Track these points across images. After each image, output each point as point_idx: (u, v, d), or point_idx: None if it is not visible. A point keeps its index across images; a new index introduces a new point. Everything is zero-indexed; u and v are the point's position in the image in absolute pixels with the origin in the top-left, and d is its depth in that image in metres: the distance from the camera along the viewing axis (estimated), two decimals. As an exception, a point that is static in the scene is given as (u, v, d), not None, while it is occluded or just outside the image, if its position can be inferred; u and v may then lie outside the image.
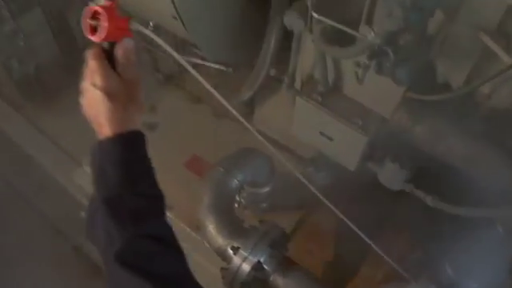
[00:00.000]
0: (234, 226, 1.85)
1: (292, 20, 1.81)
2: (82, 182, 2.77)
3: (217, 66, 2.87)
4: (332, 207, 1.65)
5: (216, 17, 2.06)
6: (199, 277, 2.58)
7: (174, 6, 1.82)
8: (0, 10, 2.98)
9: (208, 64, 2.89)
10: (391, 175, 1.98)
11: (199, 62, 2.92)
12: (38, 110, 3.47)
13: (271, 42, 2.11)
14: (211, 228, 1.84)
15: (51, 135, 3.33)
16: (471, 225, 1.93)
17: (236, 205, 2.36)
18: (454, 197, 1.90)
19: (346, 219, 1.70)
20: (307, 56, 1.96)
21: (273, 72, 2.34)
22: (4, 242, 3.27)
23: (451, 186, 1.94)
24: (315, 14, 1.59)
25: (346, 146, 2.00)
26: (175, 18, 1.90)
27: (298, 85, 2.08)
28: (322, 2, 1.67)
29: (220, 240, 1.81)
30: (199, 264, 2.45)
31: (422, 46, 1.57)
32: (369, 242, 1.77)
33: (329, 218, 2.47)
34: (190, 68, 1.32)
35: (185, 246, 2.37)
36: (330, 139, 2.01)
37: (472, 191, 1.88)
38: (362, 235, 1.75)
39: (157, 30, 2.74)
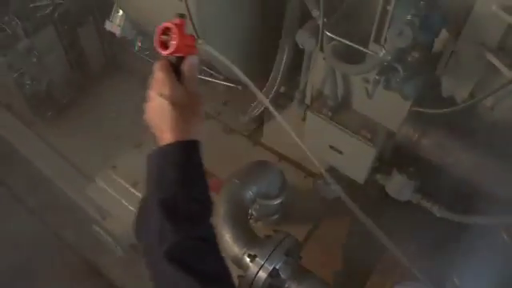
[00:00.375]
0: (249, 236, 1.94)
1: (304, 39, 1.92)
2: (95, 195, 2.85)
3: (226, 84, 2.99)
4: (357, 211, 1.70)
5: (233, 35, 2.17)
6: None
7: (194, 27, 1.93)
8: (15, 29, 3.10)
9: (218, 81, 3.02)
10: (399, 186, 2.08)
11: (208, 79, 3.05)
12: (49, 127, 3.59)
13: (283, 59, 2.23)
14: (228, 237, 1.93)
15: (62, 151, 3.43)
16: (477, 235, 2.03)
17: (248, 217, 2.46)
18: (459, 206, 2.01)
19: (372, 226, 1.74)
20: (317, 73, 2.07)
21: (283, 89, 2.46)
22: (17, 258, 3.35)
23: (457, 196, 2.05)
24: (328, 33, 1.70)
25: (355, 159, 2.10)
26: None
27: (308, 100, 2.19)
28: (332, 22, 1.79)
29: (236, 249, 1.90)
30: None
31: (428, 63, 1.68)
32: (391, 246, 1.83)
33: (339, 229, 2.58)
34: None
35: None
36: (340, 152, 2.12)
37: (478, 200, 1.98)
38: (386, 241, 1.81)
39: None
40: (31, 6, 3.18)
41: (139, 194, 2.73)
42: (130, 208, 2.73)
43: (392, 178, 2.09)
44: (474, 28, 1.55)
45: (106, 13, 3.30)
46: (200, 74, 3.05)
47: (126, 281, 3.23)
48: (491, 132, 1.91)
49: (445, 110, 1.73)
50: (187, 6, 1.89)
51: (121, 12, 2.52)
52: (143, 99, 3.22)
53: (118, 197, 2.77)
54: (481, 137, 1.88)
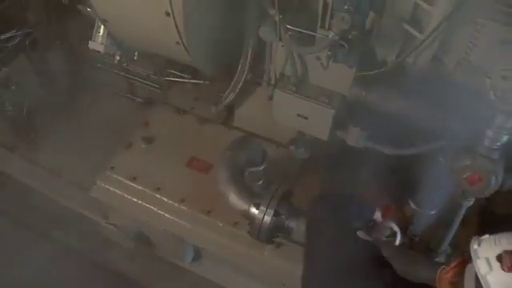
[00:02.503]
0: (250, 191, 2.54)
1: (265, 33, 2.53)
2: (100, 195, 3.34)
3: (194, 81, 3.56)
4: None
5: (208, 37, 2.73)
6: (217, 252, 3.22)
7: (179, 34, 2.49)
8: (-6, 60, 3.55)
9: (186, 81, 3.59)
10: (355, 137, 2.72)
11: (178, 80, 3.61)
12: (33, 149, 4.02)
13: (248, 51, 2.83)
14: (233, 196, 2.51)
15: (52, 168, 3.89)
16: (422, 164, 2.70)
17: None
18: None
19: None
20: (279, 58, 2.69)
21: (249, 77, 3.06)
22: (30, 272, 3.79)
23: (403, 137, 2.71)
24: (289, 26, 2.32)
25: (319, 121, 2.73)
26: (178, 43, 2.57)
27: (273, 81, 2.81)
28: (285, 16, 2.40)
29: (242, 203, 2.49)
30: (215, 241, 3.10)
31: (364, 38, 2.32)
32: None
33: (312, 183, 3.21)
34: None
35: (200, 228, 3.04)
36: (306, 118, 2.74)
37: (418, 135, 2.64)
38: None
39: (140, 57, 3.42)
40: (2, 37, 3.62)
41: (139, 187, 3.25)
42: (134, 200, 3.25)
43: (349, 131, 2.73)
44: (392, 7, 2.21)
45: (72, 35, 3.81)
46: (169, 76, 3.63)
47: (136, 270, 3.74)
48: (417, 81, 2.59)
49: (381, 69, 2.39)
50: (175, 22, 2.43)
51: (102, 30, 3.00)
52: (119, 108, 3.92)
53: (121, 192, 3.28)
54: (411, 86, 2.55)
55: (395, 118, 2.56)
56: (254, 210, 2.44)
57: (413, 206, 2.97)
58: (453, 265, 1.75)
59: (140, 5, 2.50)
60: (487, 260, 1.57)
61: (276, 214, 2.40)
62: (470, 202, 2.36)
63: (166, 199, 3.21)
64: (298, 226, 2.44)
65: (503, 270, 1.52)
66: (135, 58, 3.40)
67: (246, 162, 2.74)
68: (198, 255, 3.57)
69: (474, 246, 1.64)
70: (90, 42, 3.07)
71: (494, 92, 1.92)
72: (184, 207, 3.17)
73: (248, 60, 2.89)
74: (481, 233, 1.72)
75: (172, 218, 3.18)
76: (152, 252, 3.64)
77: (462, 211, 2.42)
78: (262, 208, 2.42)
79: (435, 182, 2.71)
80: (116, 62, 3.27)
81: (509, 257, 1.52)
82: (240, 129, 3.47)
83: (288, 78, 2.70)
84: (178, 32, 2.48)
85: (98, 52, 3.10)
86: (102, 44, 3.07)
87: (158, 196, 3.22)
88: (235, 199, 2.51)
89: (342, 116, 2.76)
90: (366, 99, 2.56)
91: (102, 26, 2.95)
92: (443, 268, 1.78)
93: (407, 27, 2.20)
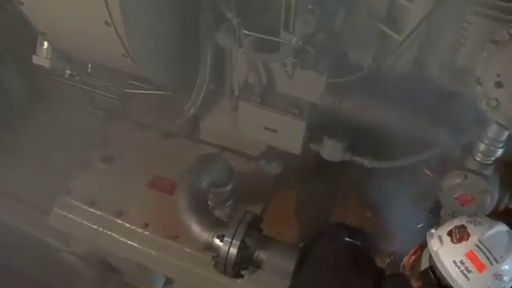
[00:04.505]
0: (213, 221, 2.19)
1: (223, 39, 2.19)
2: (57, 223, 2.99)
3: (156, 92, 3.21)
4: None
5: (158, 47, 2.39)
6: (185, 281, 2.90)
7: (124, 46, 2.14)
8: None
9: (147, 92, 3.23)
10: (331, 150, 2.40)
11: (138, 91, 3.26)
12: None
13: (207, 60, 2.48)
14: (195, 227, 2.17)
15: (9, 191, 3.50)
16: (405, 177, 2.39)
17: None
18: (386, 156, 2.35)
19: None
20: (240, 66, 2.35)
21: (211, 87, 2.71)
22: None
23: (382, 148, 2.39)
24: (245, 31, 1.97)
25: (289, 134, 2.40)
26: (125, 55, 2.22)
27: (237, 92, 2.46)
28: (244, 20, 2.06)
29: (205, 234, 2.15)
30: (183, 269, 2.77)
31: (334, 40, 1.99)
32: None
33: (287, 199, 2.89)
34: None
35: (166, 256, 2.71)
36: (274, 131, 2.40)
37: (397, 147, 2.33)
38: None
39: (94, 69, 3.06)
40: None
41: (99, 212, 2.90)
42: (93, 227, 2.90)
43: (324, 143, 2.40)
44: (365, 5, 1.87)
45: (24, 47, 3.42)
46: (128, 88, 3.27)
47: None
48: (396, 86, 2.27)
49: (355, 76, 2.05)
50: (115, 29, 2.08)
51: (46, 44, 2.65)
52: (77, 124, 3.45)
53: (79, 219, 2.92)
54: (388, 92, 2.22)
55: (373, 128, 2.24)
56: (217, 242, 2.10)
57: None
58: (412, 250, 1.78)
59: (78, 14, 2.16)
60: (439, 237, 1.64)
61: (243, 246, 2.06)
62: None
63: (128, 225, 2.86)
64: (268, 258, 2.10)
65: (452, 242, 1.59)
66: (89, 70, 3.05)
67: (211, 183, 2.40)
68: (169, 281, 3.23)
69: (431, 230, 1.71)
70: (33, 56, 2.71)
71: (487, 101, 1.60)
72: (148, 233, 2.83)
73: (207, 69, 2.54)
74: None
75: (135, 245, 2.84)
76: (120, 279, 3.30)
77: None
78: (227, 239, 2.08)
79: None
80: (67, 76, 2.90)
81: (458, 230, 1.60)
82: (206, 142, 3.14)
83: (252, 88, 2.37)
84: (122, 43, 2.13)
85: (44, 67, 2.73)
86: (47, 58, 2.71)
87: (120, 221, 2.88)
88: (197, 230, 2.17)
89: (315, 127, 2.44)
90: (340, 108, 2.23)
91: (46, 39, 2.60)
92: (406, 257, 1.81)
93: (383, 27, 1.87)
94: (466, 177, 1.82)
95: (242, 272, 2.18)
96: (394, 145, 2.30)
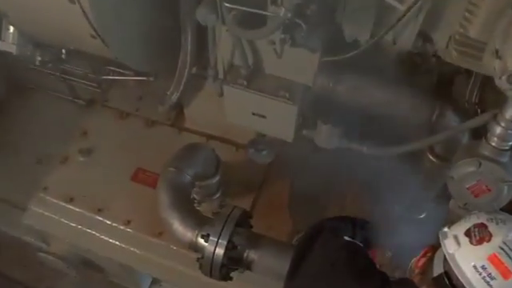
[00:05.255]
0: (198, 218, 1.96)
1: (204, 15, 1.92)
2: (33, 222, 2.74)
3: (137, 78, 2.94)
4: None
5: (132, 27, 2.13)
6: (172, 280, 2.67)
7: (91, 25, 1.88)
8: None
9: (128, 78, 2.97)
10: (326, 136, 2.15)
11: (118, 78, 3.00)
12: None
13: (188, 40, 2.22)
14: (177, 225, 1.93)
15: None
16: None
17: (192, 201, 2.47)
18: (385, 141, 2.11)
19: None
20: (224, 46, 2.09)
21: (194, 70, 2.45)
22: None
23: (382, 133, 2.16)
24: (227, 4, 1.72)
25: (280, 120, 2.15)
26: (94, 36, 1.96)
27: (221, 75, 2.21)
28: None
29: (189, 234, 1.91)
30: (169, 268, 2.54)
31: (327, 13, 1.74)
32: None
33: (280, 191, 2.65)
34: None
35: (150, 254, 2.49)
36: (264, 117, 2.15)
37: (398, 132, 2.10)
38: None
39: (70, 55, 2.80)
40: None
41: (78, 209, 2.66)
42: (72, 225, 2.65)
43: (318, 130, 2.15)
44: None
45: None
46: (108, 74, 3.01)
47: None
48: (397, 66, 2.02)
49: (351, 53, 1.80)
50: (82, 10, 1.83)
51: (12, 29, 2.38)
52: (55, 114, 3.13)
53: (57, 217, 2.68)
54: (389, 72, 1.98)
55: (372, 111, 2.00)
56: (202, 242, 1.86)
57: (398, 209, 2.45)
58: (422, 253, 1.56)
59: (39, -9, 1.88)
60: (455, 237, 1.42)
61: (230, 246, 1.83)
62: (473, 215, 1.81)
63: (109, 222, 2.63)
64: (259, 258, 1.87)
65: (471, 243, 1.37)
66: (63, 56, 2.78)
67: (195, 176, 2.16)
68: (156, 279, 3.00)
69: (444, 229, 1.49)
70: (-1, 42, 2.44)
71: (507, 77, 1.35)
72: (130, 230, 2.59)
73: (189, 51, 2.28)
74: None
75: (117, 243, 2.61)
76: (104, 278, 3.06)
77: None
78: (213, 239, 1.84)
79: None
80: (38, 63, 2.64)
81: (478, 229, 1.39)
82: (192, 130, 2.89)
83: (238, 70, 2.11)
84: (90, 23, 1.87)
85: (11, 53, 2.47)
86: (13, 44, 2.44)
87: (100, 218, 2.64)
88: (180, 228, 1.93)
89: (308, 112, 2.19)
90: (335, 90, 1.98)
91: (12, 22, 2.33)
92: (414, 260, 1.60)
93: (382, -5, 1.61)
94: (480, 164, 1.57)
95: (231, 274, 1.95)
96: (395, 130, 2.07)
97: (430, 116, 1.88)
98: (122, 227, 2.60)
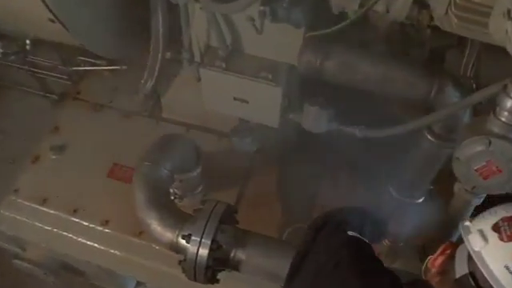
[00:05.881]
0: (178, 216, 1.74)
1: (174, -8, 1.71)
2: (4, 228, 2.52)
3: (110, 68, 2.72)
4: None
5: (96, 9, 1.90)
6: (156, 282, 2.47)
7: (48, 8, 1.65)
8: None
9: (99, 68, 2.75)
10: (314, 119, 1.95)
11: (90, 68, 2.77)
12: None
13: (159, 22, 2.00)
14: (155, 224, 1.72)
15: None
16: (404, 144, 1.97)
17: (172, 197, 2.26)
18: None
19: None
20: (199, 25, 1.88)
21: (168, 55, 2.23)
22: None
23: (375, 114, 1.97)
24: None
25: (263, 104, 1.95)
26: (53, 20, 1.73)
27: (198, 58, 2.00)
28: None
29: (169, 234, 1.70)
30: (152, 269, 2.33)
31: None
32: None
33: (268, 181, 2.44)
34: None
35: (131, 255, 2.28)
36: (246, 102, 1.95)
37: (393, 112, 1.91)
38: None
39: (37, 47, 2.56)
40: None
41: (52, 211, 2.43)
42: (47, 228, 2.43)
43: (305, 113, 1.95)
44: None
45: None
46: (79, 66, 2.78)
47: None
48: (389, 38, 1.83)
49: (339, 25, 1.60)
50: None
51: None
52: (25, 110, 2.83)
53: (30, 220, 2.45)
54: (380, 47, 1.78)
55: (364, 90, 1.80)
56: (183, 243, 1.66)
57: (394, 194, 2.27)
58: (440, 250, 1.37)
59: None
60: (481, 232, 1.24)
61: (215, 246, 1.62)
62: (481, 200, 1.62)
63: (85, 223, 2.40)
64: (248, 257, 1.67)
65: (502, 240, 1.18)
66: (27, 47, 2.55)
67: (174, 169, 1.94)
68: (141, 281, 2.79)
69: (465, 223, 1.32)
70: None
71: (522, 41, 1.16)
72: (109, 230, 2.37)
73: (161, 34, 2.06)
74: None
75: (96, 245, 2.39)
76: (86, 282, 2.85)
77: (470, 209, 1.67)
78: (195, 239, 1.63)
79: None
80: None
81: (508, 224, 1.20)
82: (171, 120, 2.65)
83: (215, 51, 1.90)
84: (46, 5, 1.64)
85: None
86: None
87: (76, 220, 2.41)
88: (158, 228, 1.72)
89: (294, 94, 1.99)
90: (322, 68, 1.77)
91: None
92: (430, 258, 1.40)
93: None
94: (489, 143, 1.38)
95: (218, 276, 1.74)
96: (390, 110, 1.88)
97: (428, 92, 1.68)
98: (99, 228, 2.38)
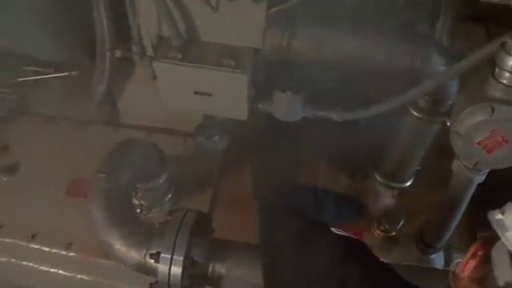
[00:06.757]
0: (143, 232, 1.49)
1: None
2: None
3: (59, 75, 2.45)
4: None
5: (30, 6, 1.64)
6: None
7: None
8: None
9: (48, 76, 2.48)
10: (286, 106, 1.72)
11: (37, 77, 2.50)
12: None
13: (102, 14, 1.73)
14: (119, 245, 1.47)
15: None
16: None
17: (138, 210, 2.01)
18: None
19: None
20: (147, 14, 1.63)
21: (118, 53, 1.96)
22: None
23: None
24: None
25: (228, 95, 1.70)
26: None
27: (150, 51, 1.74)
28: None
29: (134, 254, 1.45)
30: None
31: None
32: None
33: (241, 179, 2.21)
34: None
35: (100, 279, 2.03)
36: (209, 95, 1.70)
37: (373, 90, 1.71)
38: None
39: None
40: None
41: (8, 240, 2.14)
42: (2, 260, 2.14)
43: (276, 100, 1.72)
44: None
45: None
46: (25, 76, 2.50)
47: None
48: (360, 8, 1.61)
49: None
50: None
51: None
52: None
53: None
54: (354, 15, 1.57)
55: (338, 68, 1.58)
56: (152, 263, 1.41)
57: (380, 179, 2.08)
58: (471, 252, 1.22)
59: None
60: None
61: (189, 262, 1.38)
62: (483, 177, 1.41)
63: (46, 248, 2.12)
64: (229, 270, 1.43)
65: None
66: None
67: (134, 179, 1.69)
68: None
69: (497, 216, 1.14)
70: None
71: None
72: (73, 253, 2.10)
73: (106, 29, 1.78)
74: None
75: (60, 271, 2.12)
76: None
77: (472, 189, 1.46)
78: (165, 256, 1.39)
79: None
80: None
81: None
82: (130, 125, 2.40)
83: (169, 41, 1.66)
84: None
85: None
86: None
87: (36, 246, 2.13)
88: (122, 249, 1.47)
89: (262, 80, 1.76)
90: (290, 48, 1.54)
91: None
92: (458, 263, 1.26)
93: None
94: (492, 110, 1.17)
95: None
96: (370, 87, 1.66)
97: (412, 61, 1.46)
98: (63, 252, 2.10)
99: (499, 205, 1.22)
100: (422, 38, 1.53)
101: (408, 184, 2.05)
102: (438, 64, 1.47)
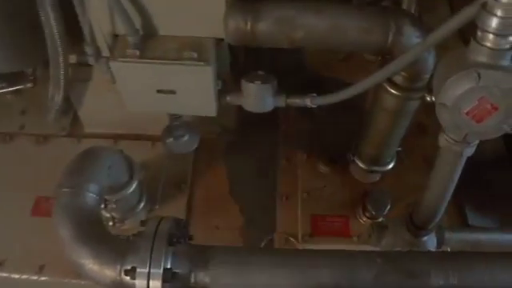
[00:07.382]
0: (115, 247, 1.34)
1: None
2: None
3: (13, 88, 2.28)
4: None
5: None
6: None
7: None
8: None
9: (2, 91, 2.30)
10: (257, 98, 1.61)
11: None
12: None
13: (49, 16, 1.58)
14: (91, 264, 1.32)
15: None
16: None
17: (110, 223, 1.86)
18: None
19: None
20: (99, 11, 1.49)
21: (74, 58, 1.82)
22: None
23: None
24: None
25: (194, 91, 1.58)
26: None
27: (106, 51, 1.61)
28: None
29: (108, 272, 1.31)
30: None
31: None
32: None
33: (215, 180, 2.09)
34: None
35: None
36: (172, 93, 1.58)
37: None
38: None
39: None
40: None
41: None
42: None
43: (245, 92, 1.60)
44: None
45: None
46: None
47: None
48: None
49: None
50: None
51: None
52: None
53: None
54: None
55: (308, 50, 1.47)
56: (128, 280, 1.27)
57: (362, 165, 1.99)
58: None
59: None
60: None
61: (168, 275, 1.25)
62: (473, 149, 1.32)
63: (16, 275, 1.96)
64: (213, 279, 1.30)
65: None
66: None
67: (102, 190, 1.55)
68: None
69: None
70: None
71: None
72: (46, 277, 1.94)
73: (55, 32, 1.63)
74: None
75: (33, 298, 1.95)
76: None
77: (462, 163, 1.37)
78: (141, 271, 1.25)
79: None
80: None
81: None
82: (94, 135, 2.24)
83: (124, 39, 1.52)
84: None
85: None
86: None
87: (5, 274, 1.96)
88: (94, 268, 1.32)
89: (227, 72, 1.64)
90: (256, 32, 1.42)
91: None
92: None
93: None
94: (478, 76, 1.08)
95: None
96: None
97: (385, 36, 1.36)
98: (34, 277, 1.95)
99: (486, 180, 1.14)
100: (393, 11, 1.43)
101: (390, 167, 1.97)
102: (413, 37, 1.38)
